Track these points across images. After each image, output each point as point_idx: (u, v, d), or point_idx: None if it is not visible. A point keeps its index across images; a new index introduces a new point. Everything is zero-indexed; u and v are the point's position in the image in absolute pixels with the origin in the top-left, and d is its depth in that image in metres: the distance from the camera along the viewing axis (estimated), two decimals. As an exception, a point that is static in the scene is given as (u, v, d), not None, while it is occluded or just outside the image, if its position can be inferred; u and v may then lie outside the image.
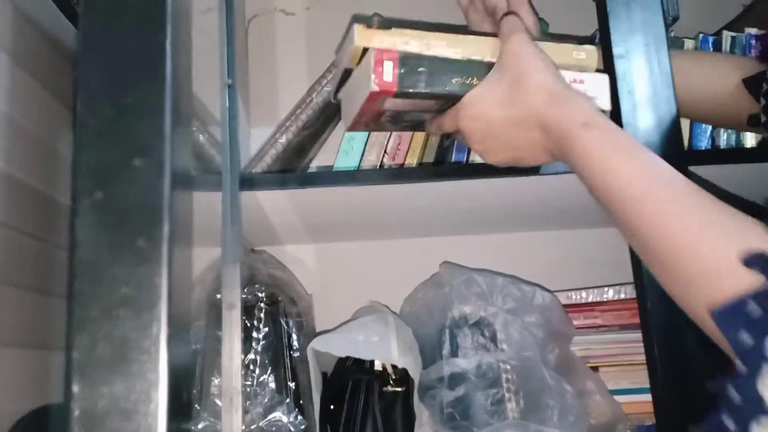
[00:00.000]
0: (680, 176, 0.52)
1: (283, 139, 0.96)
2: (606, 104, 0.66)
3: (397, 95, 0.63)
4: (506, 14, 0.65)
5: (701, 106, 0.81)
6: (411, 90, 0.62)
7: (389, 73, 0.61)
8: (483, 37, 0.65)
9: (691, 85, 0.79)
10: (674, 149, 0.70)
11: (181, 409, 0.35)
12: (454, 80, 0.63)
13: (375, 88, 0.61)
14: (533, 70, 0.59)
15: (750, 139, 0.98)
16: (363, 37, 0.62)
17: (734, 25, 1.10)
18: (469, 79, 0.63)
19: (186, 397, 0.36)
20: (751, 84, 0.78)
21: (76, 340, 0.34)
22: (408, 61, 0.62)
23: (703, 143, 0.99)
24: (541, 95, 0.58)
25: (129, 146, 0.36)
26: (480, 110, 0.61)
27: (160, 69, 0.37)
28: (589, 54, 0.66)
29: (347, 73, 0.68)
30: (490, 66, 0.63)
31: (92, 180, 0.35)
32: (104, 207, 0.35)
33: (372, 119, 0.69)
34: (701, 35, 1.00)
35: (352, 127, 0.71)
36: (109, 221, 0.35)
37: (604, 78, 0.66)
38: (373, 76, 0.61)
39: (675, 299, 0.48)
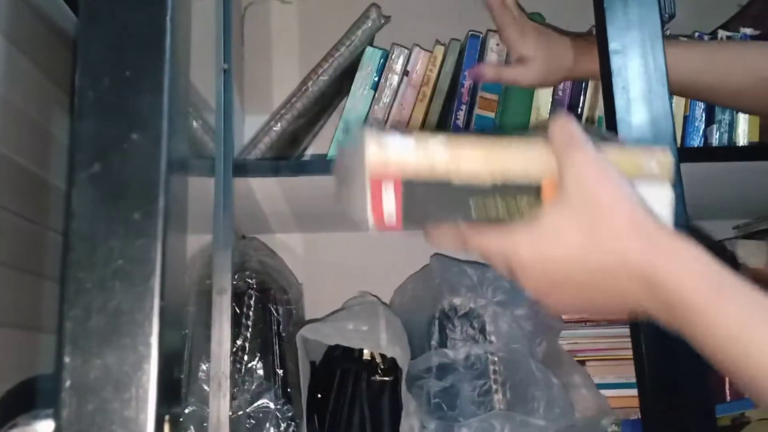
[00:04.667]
0: None
1: (277, 127, 0.96)
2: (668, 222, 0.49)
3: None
4: (554, 117, 0.47)
5: (743, 92, 0.78)
6: (422, 223, 0.49)
7: (391, 212, 0.46)
8: (530, 146, 0.46)
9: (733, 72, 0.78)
10: (668, 146, 0.70)
11: (172, 382, 0.35)
12: (488, 208, 0.46)
13: (374, 229, 0.47)
14: (615, 203, 0.44)
15: (742, 138, 0.99)
16: (376, 160, 0.43)
17: (730, 24, 1.10)
18: (510, 203, 0.46)
19: (176, 372, 0.37)
20: None
21: (70, 312, 0.34)
22: (416, 192, 0.45)
23: (696, 141, 1.00)
24: (636, 239, 0.43)
25: (127, 120, 0.36)
26: (540, 254, 0.45)
27: (159, 44, 0.37)
28: (664, 165, 0.48)
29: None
30: (538, 186, 0.46)
31: (90, 153, 0.35)
32: (101, 180, 0.35)
33: None
34: (697, 34, 1.01)
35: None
36: (105, 194, 0.35)
37: (669, 192, 0.48)
38: (370, 216, 0.46)
39: None
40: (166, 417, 0.34)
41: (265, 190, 0.89)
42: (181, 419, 0.80)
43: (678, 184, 0.54)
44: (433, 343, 0.94)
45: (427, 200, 0.45)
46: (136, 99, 0.36)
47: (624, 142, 0.51)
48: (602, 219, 0.43)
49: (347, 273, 1.18)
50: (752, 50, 0.84)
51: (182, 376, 0.83)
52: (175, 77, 0.37)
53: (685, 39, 1.01)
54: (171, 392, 0.35)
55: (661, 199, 0.47)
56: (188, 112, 0.41)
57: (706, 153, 0.88)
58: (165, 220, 0.35)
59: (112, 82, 0.36)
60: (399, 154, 0.43)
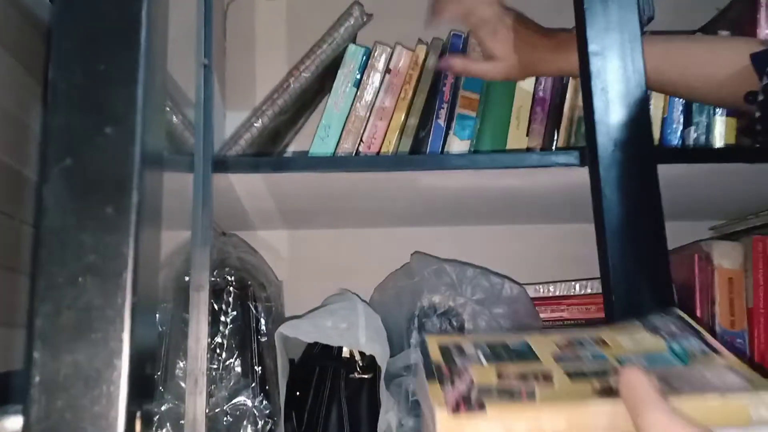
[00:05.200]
0: None
1: (258, 124, 0.96)
2: None
3: None
4: (623, 371, 0.41)
5: (706, 85, 0.79)
6: None
7: None
8: (612, 405, 0.40)
9: (697, 63, 0.79)
10: (645, 147, 0.71)
11: (144, 380, 0.35)
12: None
13: None
14: None
15: (719, 140, 1.00)
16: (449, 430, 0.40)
17: (708, 28, 1.12)
18: None
19: (149, 369, 0.36)
20: (758, 59, 0.76)
21: (40, 307, 0.33)
22: None
23: (674, 142, 1.01)
24: None
25: (101, 113, 0.35)
26: None
27: (135, 36, 0.36)
28: None
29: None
30: None
31: (62, 146, 0.35)
32: (73, 174, 0.35)
33: None
34: (675, 37, 1.02)
35: None
36: (77, 188, 0.34)
37: None
38: None
39: None
40: (138, 414, 0.34)
41: (246, 187, 0.89)
42: (157, 416, 0.80)
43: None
44: (412, 341, 0.94)
45: None
46: (110, 92, 0.35)
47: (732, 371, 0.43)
48: None
49: (329, 270, 1.18)
50: (724, 44, 0.86)
51: (159, 373, 0.82)
52: (151, 70, 0.37)
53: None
54: (143, 389, 0.35)
55: None
56: (165, 106, 0.40)
57: (684, 154, 0.89)
58: (138, 215, 0.34)
59: (86, 74, 0.36)
60: (472, 423, 0.39)
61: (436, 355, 0.45)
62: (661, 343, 0.47)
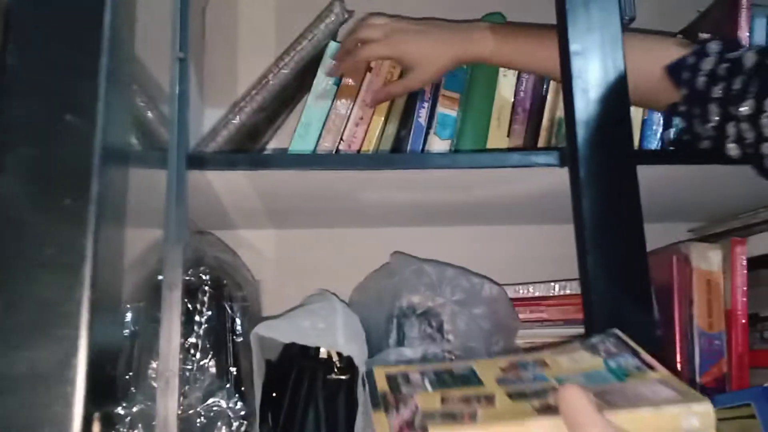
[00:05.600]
0: None
1: (236, 120, 0.94)
2: None
3: None
4: (561, 389, 0.43)
5: (636, 90, 0.77)
6: None
7: None
8: (548, 420, 0.43)
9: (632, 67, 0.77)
10: (625, 148, 0.71)
11: (105, 380, 0.34)
12: None
13: None
14: None
15: (698, 142, 1.01)
16: None
17: (689, 30, 1.12)
18: None
19: (112, 369, 0.35)
20: (673, 71, 0.77)
21: (-6, 301, 0.32)
22: None
23: (653, 144, 1.01)
24: None
25: (60, 102, 0.33)
26: None
27: (98, 22, 0.35)
28: (705, 419, 0.43)
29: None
30: None
31: (18, 134, 0.33)
32: (30, 163, 0.33)
33: None
34: (656, 39, 1.02)
35: None
36: (34, 178, 0.33)
37: None
38: None
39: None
40: (97, 415, 0.32)
41: (225, 184, 0.87)
42: (128, 418, 0.78)
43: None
44: (391, 341, 0.93)
45: None
46: (71, 78, 0.34)
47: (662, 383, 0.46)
48: None
49: (308, 270, 1.17)
50: (655, 43, 0.85)
51: (131, 374, 0.81)
52: (116, 58, 0.35)
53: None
54: (104, 390, 0.33)
55: None
56: (133, 96, 0.39)
57: (663, 156, 0.89)
58: (99, 207, 0.32)
59: (46, 58, 0.34)
60: None
61: (382, 384, 0.47)
62: (599, 362, 0.49)
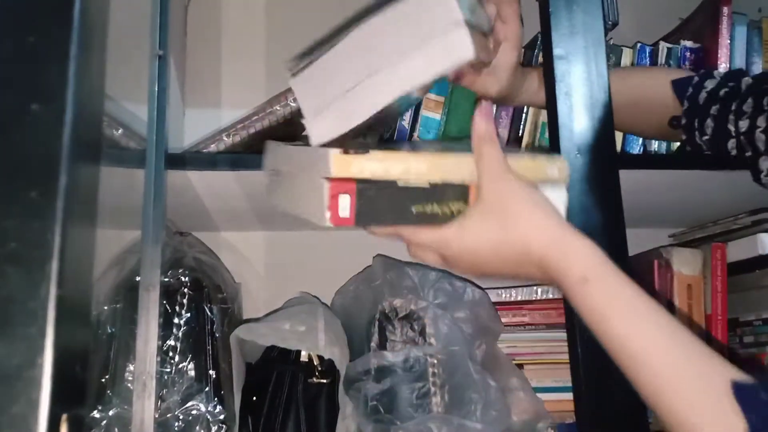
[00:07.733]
0: (678, 327, 0.54)
1: (228, 140, 0.92)
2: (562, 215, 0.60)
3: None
4: (478, 139, 0.57)
5: (628, 113, 0.81)
6: (372, 224, 0.56)
7: (346, 208, 0.52)
8: (462, 157, 0.57)
9: (620, 92, 0.78)
10: (607, 153, 0.71)
11: (73, 380, 0.33)
12: (426, 208, 0.55)
13: (329, 224, 0.52)
14: (523, 211, 0.55)
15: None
16: (340, 166, 0.52)
17: (671, 37, 1.13)
18: (443, 206, 0.56)
19: (80, 370, 0.34)
20: (678, 86, 0.80)
21: (-45, 298, 0.30)
22: (368, 193, 0.53)
23: (636, 149, 1.02)
24: (537, 240, 0.54)
25: (27, 90, 0.32)
26: (466, 247, 0.56)
27: (68, 9, 0.33)
28: (562, 171, 0.61)
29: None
30: (465, 188, 0.56)
31: (-17, 124, 0.32)
32: (-4, 154, 0.32)
33: None
34: (639, 45, 1.03)
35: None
36: (0, 169, 0.32)
37: (564, 194, 0.61)
38: (327, 213, 0.52)
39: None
40: (64, 417, 0.31)
41: (207, 185, 0.86)
42: (104, 422, 0.76)
43: (591, 190, 0.66)
44: (373, 344, 0.93)
45: (377, 200, 0.54)
46: (39, 66, 0.33)
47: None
48: (512, 224, 0.55)
49: (290, 272, 1.15)
50: (636, 73, 0.90)
51: (107, 377, 0.79)
52: (86, 46, 0.34)
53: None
54: (72, 391, 0.32)
55: (559, 199, 0.59)
56: (103, 83, 0.38)
57: (645, 160, 0.90)
58: (66, 201, 0.32)
59: (13, 45, 0.33)
60: (358, 160, 0.52)
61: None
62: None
